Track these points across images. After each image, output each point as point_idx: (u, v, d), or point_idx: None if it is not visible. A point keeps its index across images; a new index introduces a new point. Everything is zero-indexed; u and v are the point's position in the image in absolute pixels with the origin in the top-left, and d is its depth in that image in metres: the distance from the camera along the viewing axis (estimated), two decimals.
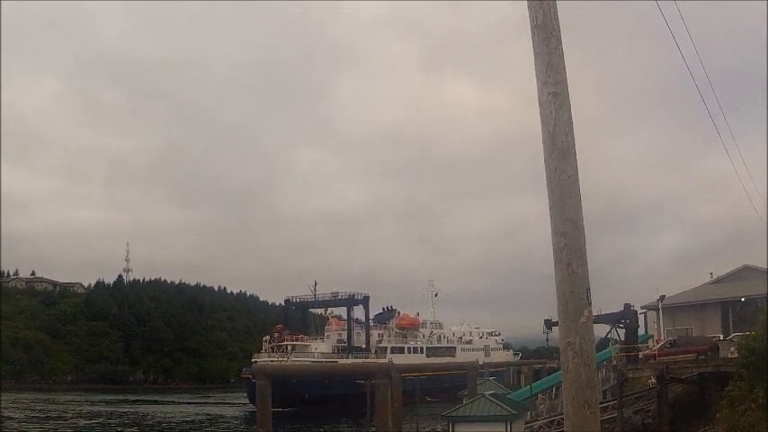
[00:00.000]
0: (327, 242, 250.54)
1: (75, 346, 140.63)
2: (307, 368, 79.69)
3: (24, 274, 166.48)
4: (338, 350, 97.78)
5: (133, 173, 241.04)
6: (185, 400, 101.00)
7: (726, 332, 44.97)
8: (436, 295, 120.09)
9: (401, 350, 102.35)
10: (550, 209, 6.20)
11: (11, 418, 65.52)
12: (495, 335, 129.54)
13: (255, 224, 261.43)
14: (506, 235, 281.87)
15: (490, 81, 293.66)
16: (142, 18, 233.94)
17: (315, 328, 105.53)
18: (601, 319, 43.62)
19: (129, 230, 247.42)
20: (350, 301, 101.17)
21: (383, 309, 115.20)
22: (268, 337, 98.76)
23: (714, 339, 39.21)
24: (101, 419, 70.15)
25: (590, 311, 6.05)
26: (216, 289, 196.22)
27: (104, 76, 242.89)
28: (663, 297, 50.13)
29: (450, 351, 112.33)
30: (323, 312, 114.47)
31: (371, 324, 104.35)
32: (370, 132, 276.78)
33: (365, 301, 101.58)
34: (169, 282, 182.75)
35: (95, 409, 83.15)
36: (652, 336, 54.68)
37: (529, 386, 49.67)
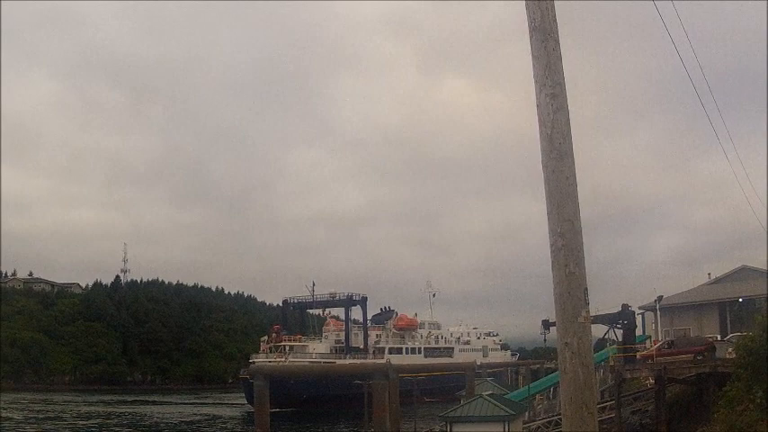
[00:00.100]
0: (326, 243, 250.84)
1: (72, 347, 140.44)
2: (305, 369, 79.69)
3: (22, 274, 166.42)
4: (336, 351, 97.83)
5: (131, 173, 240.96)
6: (183, 401, 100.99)
7: (723, 332, 45.05)
8: (434, 296, 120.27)
9: (399, 351, 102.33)
10: (548, 210, 6.21)
11: (9, 419, 65.51)
12: (493, 335, 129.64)
13: (254, 225, 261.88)
14: (504, 236, 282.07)
15: (488, 81, 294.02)
16: (140, 18, 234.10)
17: (313, 328, 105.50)
18: (598, 319, 43.60)
19: (126, 231, 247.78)
20: (348, 302, 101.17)
21: (381, 309, 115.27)
22: (266, 338, 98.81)
23: (711, 339, 39.28)
24: (98, 420, 70.11)
25: (588, 312, 6.06)
26: (214, 290, 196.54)
27: (103, 76, 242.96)
28: (660, 297, 50.24)
29: (449, 351, 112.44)
30: (321, 313, 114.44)
31: (369, 325, 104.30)
32: (369, 133, 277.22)
33: (363, 301, 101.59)
34: (167, 282, 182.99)
35: (93, 409, 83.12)
36: (650, 336, 54.79)
37: (527, 386, 49.73)
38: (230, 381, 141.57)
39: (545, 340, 48.73)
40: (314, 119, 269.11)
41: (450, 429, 26.23)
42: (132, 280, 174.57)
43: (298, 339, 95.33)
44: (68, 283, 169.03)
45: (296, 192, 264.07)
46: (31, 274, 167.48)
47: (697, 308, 50.09)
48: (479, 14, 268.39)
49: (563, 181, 6.17)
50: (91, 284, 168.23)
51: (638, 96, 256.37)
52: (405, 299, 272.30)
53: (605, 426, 33.54)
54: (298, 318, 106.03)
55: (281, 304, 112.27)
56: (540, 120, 6.37)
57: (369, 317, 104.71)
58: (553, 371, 57.41)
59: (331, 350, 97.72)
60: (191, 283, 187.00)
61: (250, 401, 69.96)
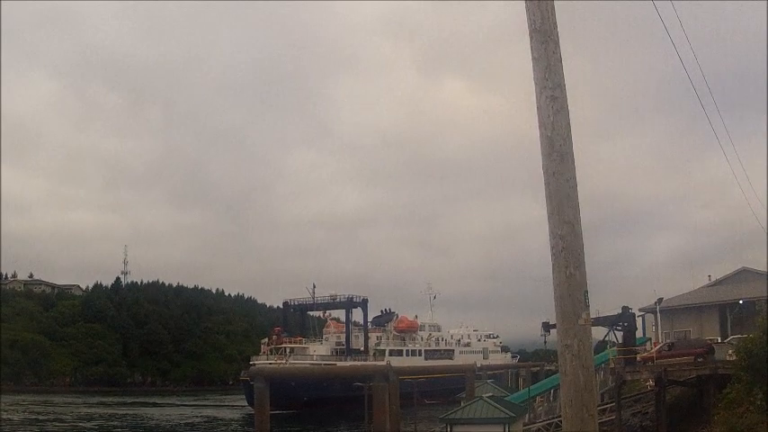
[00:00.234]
0: (326, 244, 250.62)
1: (73, 349, 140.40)
2: (305, 371, 79.69)
3: (22, 276, 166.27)
4: (336, 353, 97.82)
5: (130, 175, 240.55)
6: (183, 403, 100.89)
7: (724, 335, 45.02)
8: (435, 298, 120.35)
9: (399, 353, 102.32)
10: (548, 212, 6.22)
11: (9, 421, 65.48)
12: (494, 337, 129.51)
13: (253, 226, 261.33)
14: (505, 238, 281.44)
15: (488, 83, 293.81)
16: (140, 19, 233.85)
17: (313, 330, 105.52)
18: (599, 321, 43.57)
19: (126, 233, 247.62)
20: (348, 304, 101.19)
21: (382, 311, 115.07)
22: (266, 340, 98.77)
23: (711, 342, 39.28)
24: (99, 421, 70.09)
25: (588, 314, 6.07)
26: (214, 291, 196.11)
27: (101, 77, 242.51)
28: (660, 300, 50.17)
29: (449, 354, 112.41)
30: (321, 315, 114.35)
31: (370, 327, 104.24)
32: (368, 134, 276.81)
33: (364, 303, 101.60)
34: (167, 284, 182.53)
35: (93, 411, 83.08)
36: (650, 338, 54.71)
37: (527, 389, 49.68)
38: (231, 382, 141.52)
39: (545, 342, 48.62)
40: (313, 120, 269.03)
41: (451, 431, 26.22)
42: (132, 282, 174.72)
43: (298, 341, 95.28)
44: (69, 285, 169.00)
45: (295, 193, 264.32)
46: (31, 276, 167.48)
47: (697, 310, 50.05)
48: (479, 16, 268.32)
49: (563, 183, 6.18)
50: (91, 286, 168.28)
51: (638, 98, 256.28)
52: (405, 300, 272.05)
53: (606, 428, 33.50)
54: (298, 320, 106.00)
55: (281, 306, 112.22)
56: (540, 122, 6.37)
57: (369, 319, 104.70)
58: (553, 373, 57.31)
59: (331, 352, 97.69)
60: (191, 285, 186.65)
61: (250, 403, 69.91)
